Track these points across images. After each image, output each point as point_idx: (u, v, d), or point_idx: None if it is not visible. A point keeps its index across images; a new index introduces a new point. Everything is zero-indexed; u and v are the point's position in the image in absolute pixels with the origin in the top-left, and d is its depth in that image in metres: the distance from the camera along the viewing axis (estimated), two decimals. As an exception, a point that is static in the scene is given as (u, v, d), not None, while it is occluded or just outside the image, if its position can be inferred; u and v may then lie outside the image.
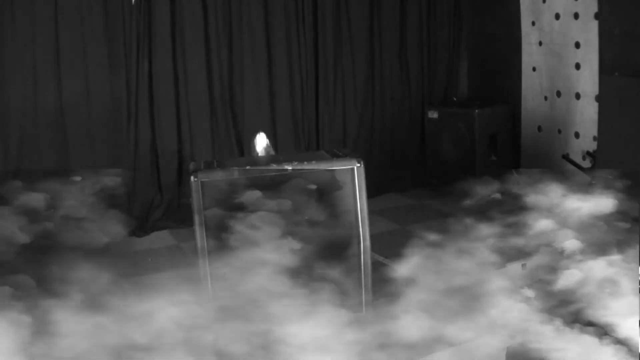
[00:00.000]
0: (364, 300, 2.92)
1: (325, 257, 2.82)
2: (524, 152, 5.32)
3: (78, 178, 4.12)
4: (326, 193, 2.86)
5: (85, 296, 2.85)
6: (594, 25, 4.39)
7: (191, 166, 2.91)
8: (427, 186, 5.69)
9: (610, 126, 4.15)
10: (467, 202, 3.79)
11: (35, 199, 3.62)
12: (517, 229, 3.42)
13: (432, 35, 5.75)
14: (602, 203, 3.36)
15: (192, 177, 2.74)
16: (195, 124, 4.85)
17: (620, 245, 3.03)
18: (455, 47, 5.88)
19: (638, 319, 2.51)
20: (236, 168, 2.83)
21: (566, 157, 4.61)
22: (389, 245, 4.03)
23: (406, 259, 3.42)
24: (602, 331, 2.54)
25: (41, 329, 2.54)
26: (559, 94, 4.88)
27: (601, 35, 4.26)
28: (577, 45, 4.62)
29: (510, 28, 5.29)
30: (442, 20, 5.76)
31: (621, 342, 2.43)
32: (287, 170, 2.81)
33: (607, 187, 3.49)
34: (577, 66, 4.65)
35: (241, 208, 2.77)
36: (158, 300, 2.82)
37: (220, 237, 2.74)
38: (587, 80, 4.55)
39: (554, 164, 4.75)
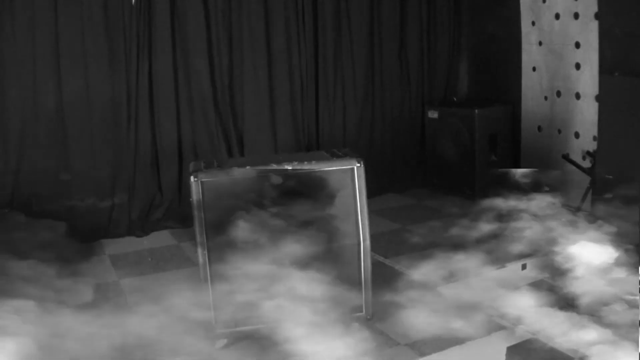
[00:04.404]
0: (364, 300, 2.92)
1: (325, 257, 2.82)
2: (524, 152, 5.32)
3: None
4: (326, 193, 2.85)
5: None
6: (594, 25, 4.39)
7: (191, 166, 2.90)
8: (427, 186, 5.69)
9: (610, 126, 4.15)
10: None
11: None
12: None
13: (432, 35, 5.74)
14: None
15: (192, 177, 2.74)
16: (196, 124, 4.84)
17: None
18: (455, 47, 5.87)
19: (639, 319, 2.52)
20: (236, 168, 2.83)
21: (566, 157, 4.61)
22: (389, 245, 4.05)
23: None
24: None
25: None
26: (559, 94, 4.88)
27: (601, 35, 4.26)
28: (577, 45, 4.62)
29: (510, 28, 5.28)
30: (442, 20, 5.76)
31: None
32: (287, 170, 2.81)
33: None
34: (577, 66, 4.65)
35: (241, 208, 2.77)
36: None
37: (221, 237, 2.74)
38: (587, 80, 4.55)
39: (554, 164, 4.75)
